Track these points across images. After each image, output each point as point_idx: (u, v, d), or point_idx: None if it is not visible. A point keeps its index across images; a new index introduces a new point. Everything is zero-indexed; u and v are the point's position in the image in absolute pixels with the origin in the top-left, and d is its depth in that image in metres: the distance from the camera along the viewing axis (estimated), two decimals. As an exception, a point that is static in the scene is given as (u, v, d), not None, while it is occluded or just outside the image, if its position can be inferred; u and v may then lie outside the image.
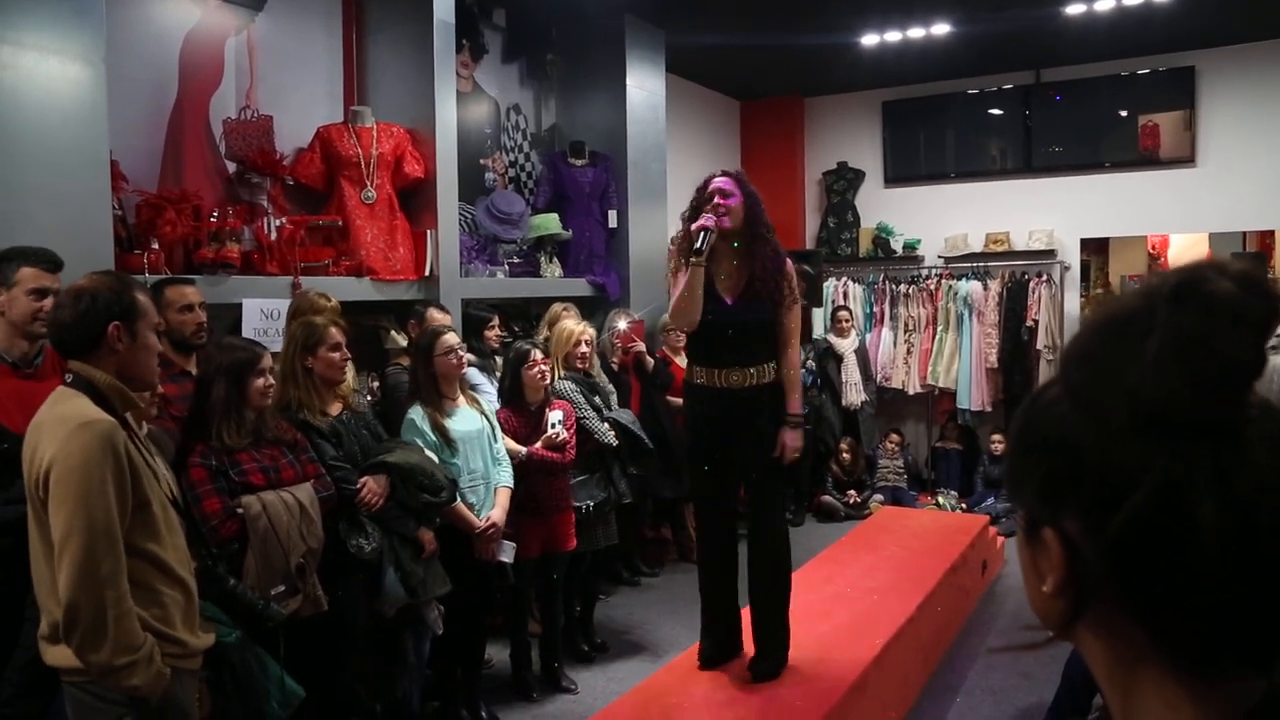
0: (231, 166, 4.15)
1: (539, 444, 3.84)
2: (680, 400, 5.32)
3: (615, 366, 5.10)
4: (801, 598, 3.55)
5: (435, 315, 4.09)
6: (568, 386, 4.21)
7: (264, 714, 2.41)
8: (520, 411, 3.94)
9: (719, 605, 3.48)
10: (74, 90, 3.15)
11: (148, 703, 2.01)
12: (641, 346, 5.20)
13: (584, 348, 4.34)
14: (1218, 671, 0.61)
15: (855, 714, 3.28)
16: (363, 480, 3.09)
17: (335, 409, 3.20)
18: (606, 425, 4.30)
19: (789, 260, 3.36)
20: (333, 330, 3.16)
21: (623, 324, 5.14)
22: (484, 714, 3.69)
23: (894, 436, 7.39)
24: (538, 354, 3.91)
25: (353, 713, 3.19)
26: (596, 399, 4.37)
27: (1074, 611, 0.65)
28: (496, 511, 3.58)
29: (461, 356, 3.60)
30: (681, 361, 5.52)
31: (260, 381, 2.78)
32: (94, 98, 3.20)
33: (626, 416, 4.57)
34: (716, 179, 3.32)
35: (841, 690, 3.23)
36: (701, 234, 3.17)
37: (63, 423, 1.94)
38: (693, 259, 3.16)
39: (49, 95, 3.08)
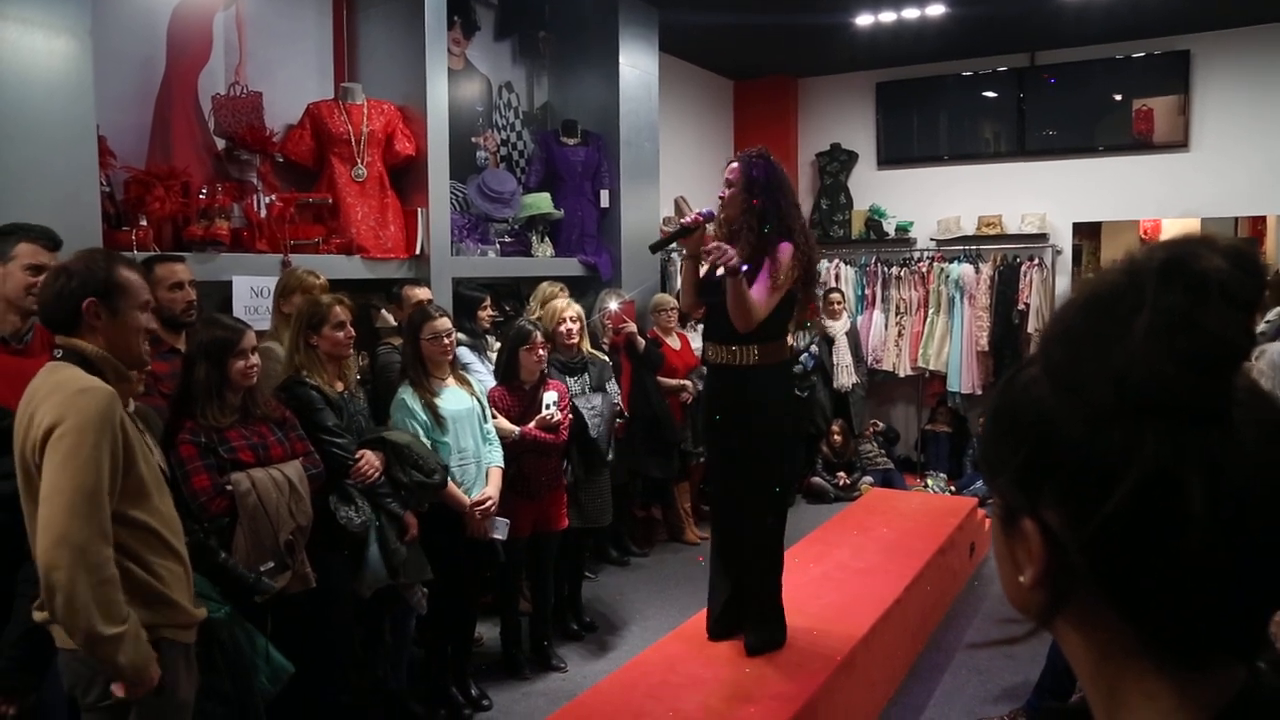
0: (221, 143, 4.11)
1: (533, 424, 3.85)
2: (671, 380, 5.39)
3: (606, 347, 5.09)
4: (791, 578, 3.57)
5: (415, 292, 4.06)
6: (552, 370, 4.20)
7: (253, 689, 2.42)
8: (515, 391, 3.93)
9: (730, 580, 3.48)
10: (60, 64, 3.11)
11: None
12: (632, 327, 5.19)
13: (569, 324, 4.32)
14: (1202, 662, 0.60)
15: (842, 693, 3.31)
16: (361, 452, 3.10)
17: (338, 387, 3.23)
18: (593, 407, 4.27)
19: (786, 245, 3.18)
20: (338, 309, 3.17)
21: (614, 304, 5.13)
22: (474, 692, 3.71)
23: (874, 423, 7.43)
24: (539, 336, 3.89)
25: (341, 690, 3.20)
26: (575, 382, 4.34)
27: (1054, 604, 0.62)
28: (490, 489, 3.59)
29: (448, 343, 3.58)
30: (672, 342, 5.55)
31: (241, 363, 2.75)
32: (80, 72, 3.17)
33: (595, 402, 4.45)
34: (731, 164, 3.30)
35: (829, 669, 3.26)
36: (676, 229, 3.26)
37: (60, 388, 1.95)
38: (656, 251, 3.23)
39: (34, 69, 3.04)
